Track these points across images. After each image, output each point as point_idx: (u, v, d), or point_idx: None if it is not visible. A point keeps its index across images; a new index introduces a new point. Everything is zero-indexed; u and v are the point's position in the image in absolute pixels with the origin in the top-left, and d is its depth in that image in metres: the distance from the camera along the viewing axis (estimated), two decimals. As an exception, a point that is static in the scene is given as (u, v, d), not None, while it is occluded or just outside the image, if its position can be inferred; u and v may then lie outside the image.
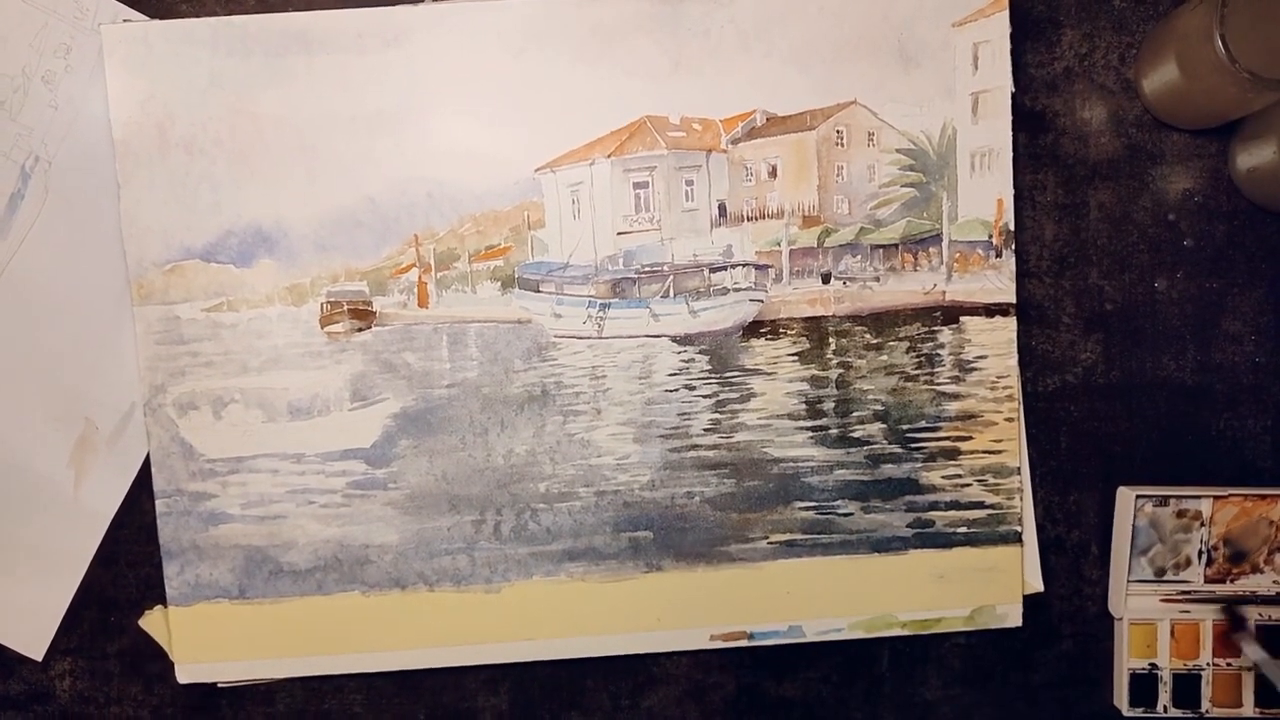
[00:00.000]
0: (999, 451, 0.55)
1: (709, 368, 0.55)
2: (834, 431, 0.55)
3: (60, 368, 0.54)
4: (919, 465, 0.55)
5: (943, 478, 0.55)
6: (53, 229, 0.53)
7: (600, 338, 0.54)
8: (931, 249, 0.54)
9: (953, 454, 0.55)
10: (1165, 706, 0.55)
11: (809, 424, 0.55)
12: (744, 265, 0.54)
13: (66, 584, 0.54)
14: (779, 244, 0.55)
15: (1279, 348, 0.56)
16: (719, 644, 0.55)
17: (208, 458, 0.53)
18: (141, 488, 0.54)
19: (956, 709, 0.57)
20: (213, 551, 0.53)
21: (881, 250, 0.54)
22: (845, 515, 0.55)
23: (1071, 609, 0.57)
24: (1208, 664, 0.55)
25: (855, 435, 0.55)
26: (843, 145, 0.54)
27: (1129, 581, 0.55)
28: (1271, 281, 0.56)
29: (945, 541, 0.55)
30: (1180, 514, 0.54)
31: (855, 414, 0.55)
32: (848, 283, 0.55)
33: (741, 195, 0.55)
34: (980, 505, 0.55)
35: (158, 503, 0.53)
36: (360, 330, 0.54)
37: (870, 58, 0.53)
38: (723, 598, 0.55)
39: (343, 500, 0.54)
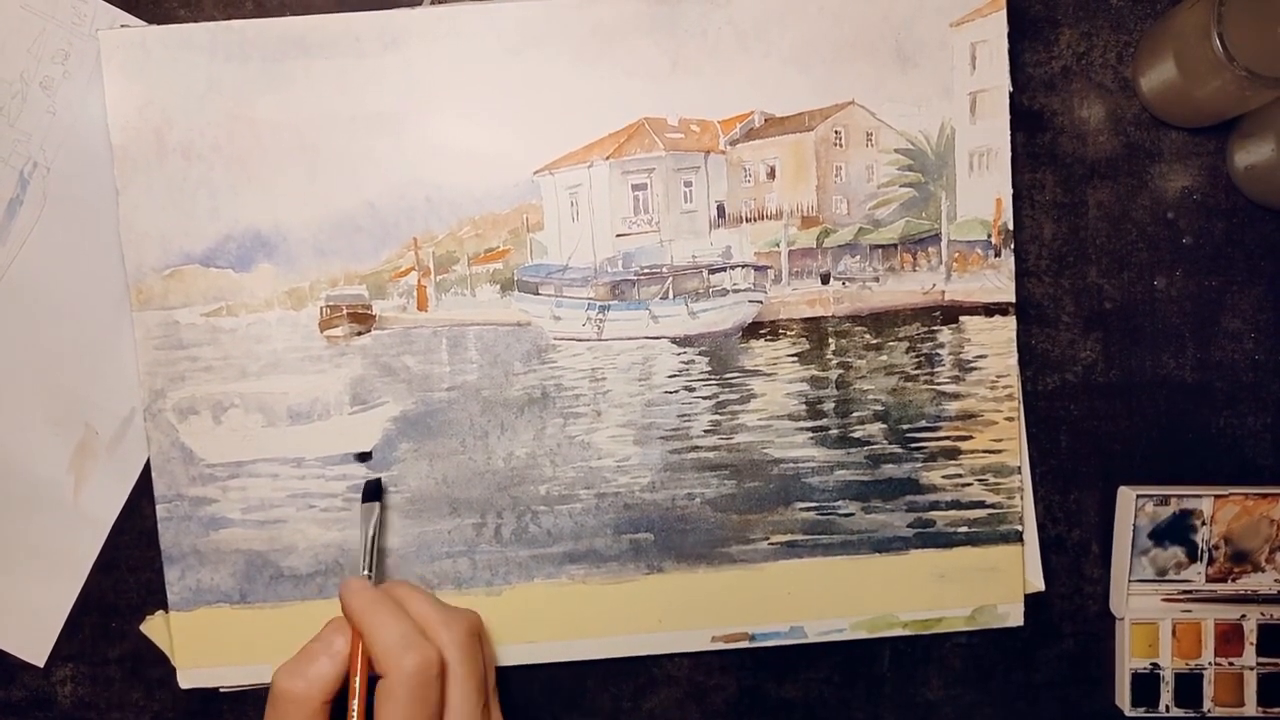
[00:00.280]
0: (999, 451, 0.55)
1: (709, 369, 0.55)
2: (834, 432, 0.55)
3: (60, 373, 0.54)
4: (919, 465, 0.55)
5: (943, 477, 0.55)
6: (51, 234, 0.53)
7: (600, 340, 0.54)
8: (930, 249, 0.54)
9: (953, 454, 0.55)
10: (1167, 706, 0.55)
11: (809, 424, 0.55)
12: (743, 266, 0.54)
13: (67, 589, 0.54)
14: (778, 245, 0.55)
15: (1279, 345, 0.56)
16: (720, 645, 0.55)
17: (208, 463, 0.53)
18: (142, 493, 0.54)
19: (958, 709, 0.57)
20: (214, 556, 0.53)
21: (880, 250, 0.54)
22: (846, 516, 0.55)
23: (1073, 608, 0.57)
24: (1209, 663, 0.55)
25: (855, 435, 0.55)
26: (841, 146, 0.54)
27: (1130, 581, 0.55)
28: (1271, 279, 0.56)
29: (946, 541, 0.55)
30: (1180, 514, 0.54)
31: (855, 414, 0.55)
32: (847, 283, 0.55)
33: (740, 196, 0.55)
34: (981, 505, 0.55)
35: (158, 508, 0.53)
36: (360, 334, 0.54)
37: (868, 58, 0.53)
38: (724, 599, 0.55)
39: (343, 504, 0.54)
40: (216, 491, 0.53)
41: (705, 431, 0.54)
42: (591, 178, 0.53)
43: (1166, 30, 0.51)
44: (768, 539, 0.55)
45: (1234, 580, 0.55)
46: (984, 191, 0.54)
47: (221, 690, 0.55)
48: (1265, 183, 0.54)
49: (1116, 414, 0.56)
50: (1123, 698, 0.56)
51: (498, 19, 0.52)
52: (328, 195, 0.52)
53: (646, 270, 0.54)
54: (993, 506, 0.55)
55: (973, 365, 0.55)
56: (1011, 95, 0.53)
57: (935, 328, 0.55)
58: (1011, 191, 0.54)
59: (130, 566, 0.55)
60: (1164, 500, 0.54)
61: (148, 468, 0.53)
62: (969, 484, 0.55)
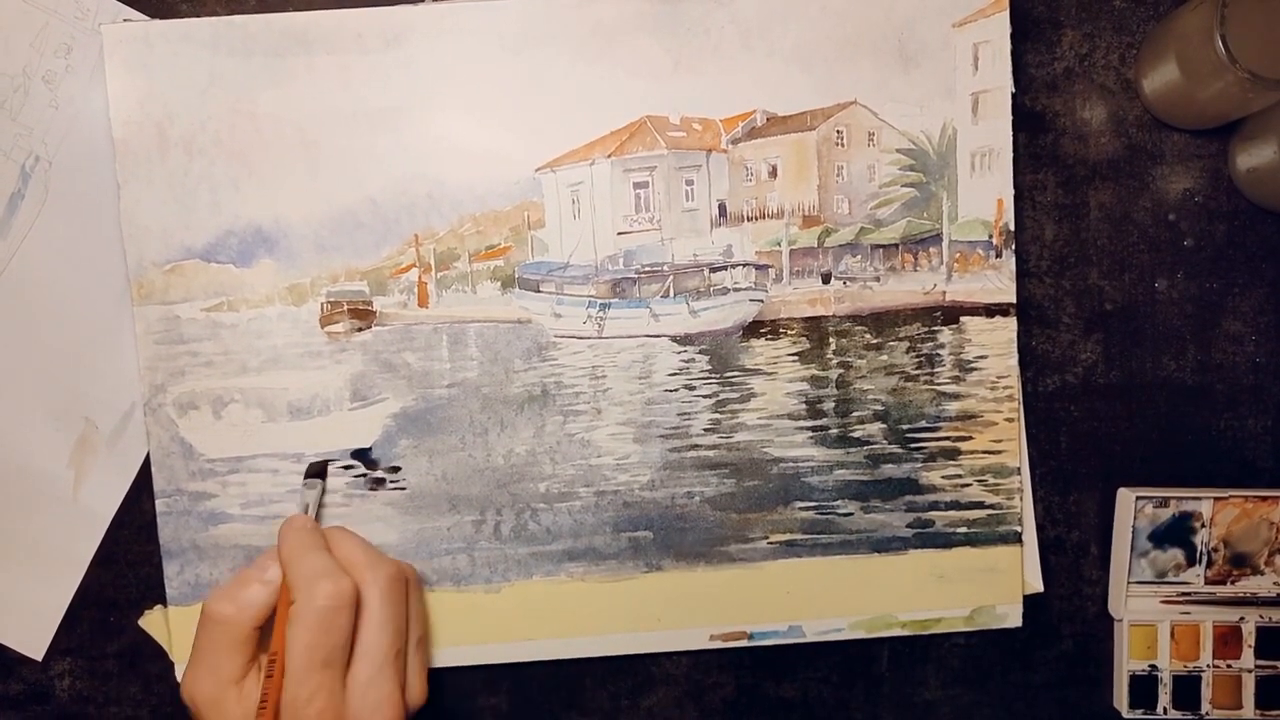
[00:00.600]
0: (999, 451, 0.55)
1: (709, 368, 0.55)
2: (834, 431, 0.55)
3: (60, 367, 0.54)
4: (919, 465, 0.55)
5: (943, 478, 0.55)
6: (53, 229, 0.53)
7: (600, 338, 0.54)
8: (931, 249, 0.54)
9: (953, 454, 0.55)
10: (1165, 708, 0.55)
11: (809, 424, 0.55)
12: (744, 265, 0.55)
13: (66, 584, 0.54)
14: (779, 244, 0.55)
15: (1279, 348, 0.56)
16: (719, 644, 0.55)
17: (208, 457, 0.53)
18: (141, 488, 0.54)
19: (956, 709, 0.57)
20: (213, 551, 0.53)
21: (881, 250, 0.54)
22: (845, 515, 0.55)
23: (1071, 609, 0.57)
24: (1208, 666, 0.55)
25: (855, 435, 0.55)
26: (843, 145, 0.54)
27: (1129, 583, 0.55)
28: (1272, 281, 0.56)
29: (945, 541, 0.55)
30: (1180, 516, 0.54)
31: (855, 414, 0.55)
32: (848, 283, 0.55)
33: (741, 195, 0.55)
34: (980, 505, 0.55)
35: (158, 502, 0.53)
36: (360, 330, 0.54)
37: (871, 58, 0.53)
38: (723, 598, 0.55)
39: (342, 500, 0.54)
40: (216, 486, 0.53)
41: (705, 430, 0.54)
42: (593, 175, 0.53)
43: (1169, 32, 0.51)
44: (767, 538, 0.55)
45: (1233, 583, 0.55)
46: (985, 192, 0.54)
47: (219, 685, 0.55)
48: (1267, 185, 0.54)
49: (1116, 415, 0.56)
50: (1121, 699, 0.56)
51: (500, 16, 0.52)
52: (329, 191, 0.53)
53: (647, 268, 0.54)
54: (992, 507, 0.55)
55: (973, 366, 0.55)
56: (1013, 96, 0.53)
57: (936, 328, 0.55)
58: (1013, 192, 0.54)
59: (129, 561, 0.55)
60: (1163, 502, 0.54)
61: (147, 462, 0.53)
62: (968, 484, 0.55)
